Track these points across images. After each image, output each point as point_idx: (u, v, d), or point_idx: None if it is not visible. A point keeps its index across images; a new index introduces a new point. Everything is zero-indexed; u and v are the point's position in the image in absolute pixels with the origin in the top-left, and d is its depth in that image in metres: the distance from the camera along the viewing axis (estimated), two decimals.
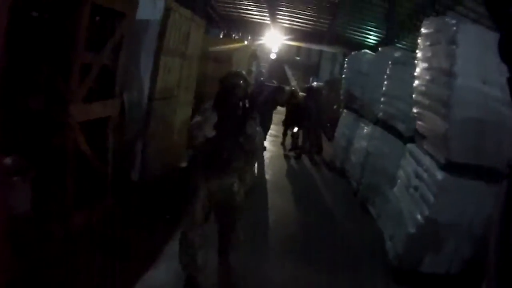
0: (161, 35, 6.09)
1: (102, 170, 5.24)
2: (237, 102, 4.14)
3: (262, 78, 14.14)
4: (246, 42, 19.02)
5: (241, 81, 4.24)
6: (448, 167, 4.92)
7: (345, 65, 11.50)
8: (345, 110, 11.13)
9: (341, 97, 11.61)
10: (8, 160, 4.12)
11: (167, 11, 6.07)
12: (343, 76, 11.46)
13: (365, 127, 9.09)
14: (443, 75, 5.02)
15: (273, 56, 29.66)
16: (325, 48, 25.40)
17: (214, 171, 4.16)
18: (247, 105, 4.15)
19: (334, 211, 7.81)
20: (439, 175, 4.95)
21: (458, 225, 4.92)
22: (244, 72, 4.44)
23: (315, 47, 26.81)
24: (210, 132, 3.90)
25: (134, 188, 6.07)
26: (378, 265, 5.71)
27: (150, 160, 6.39)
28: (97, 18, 4.98)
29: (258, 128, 4.20)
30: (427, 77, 5.57)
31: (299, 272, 5.23)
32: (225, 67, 10.77)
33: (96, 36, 4.90)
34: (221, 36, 18.17)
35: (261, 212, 7.08)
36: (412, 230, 5.19)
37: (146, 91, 6.17)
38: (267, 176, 9.34)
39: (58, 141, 4.52)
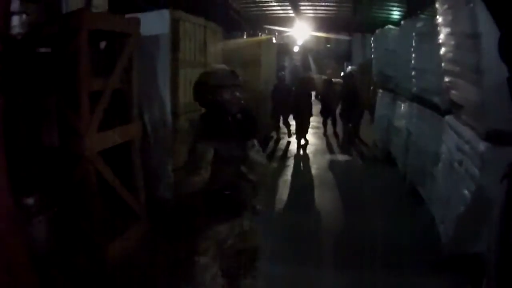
0: (174, 47, 5.88)
1: (130, 196, 5.07)
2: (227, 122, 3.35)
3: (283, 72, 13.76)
4: (273, 39, 18.67)
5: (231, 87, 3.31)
6: (490, 136, 4.45)
7: (372, 45, 11.01)
8: (380, 91, 10.61)
9: (374, 78, 11.08)
10: (29, 200, 4.04)
11: (176, 22, 5.88)
12: (372, 56, 10.97)
13: (403, 105, 8.61)
14: (467, 38, 4.56)
15: (296, 48, 29.28)
16: (350, 34, 24.87)
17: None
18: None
19: (384, 200, 7.43)
20: (482, 146, 4.48)
21: None
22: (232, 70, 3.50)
23: (342, 35, 26.33)
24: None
25: (168, 208, 5.87)
26: (431, 252, 5.28)
27: (181, 176, 6.18)
28: (103, 42, 4.88)
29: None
30: (452, 43, 5.12)
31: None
32: (254, 69, 10.63)
33: (106, 61, 4.81)
34: (244, 37, 17.82)
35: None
36: (461, 209, 4.74)
37: (168, 108, 5.97)
38: (313, 171, 9.26)
39: (79, 175, 4.41)
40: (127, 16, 5.27)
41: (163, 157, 6.05)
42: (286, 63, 22.10)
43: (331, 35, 28.39)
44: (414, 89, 7.55)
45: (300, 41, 28.69)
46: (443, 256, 5.02)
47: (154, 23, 5.69)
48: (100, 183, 4.59)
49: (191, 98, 6.22)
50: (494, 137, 4.42)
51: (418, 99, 7.44)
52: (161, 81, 5.91)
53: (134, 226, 5.11)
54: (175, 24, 5.87)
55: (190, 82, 6.20)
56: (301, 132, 11.11)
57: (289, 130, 12.47)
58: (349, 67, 15.81)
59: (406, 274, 4.88)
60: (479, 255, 4.62)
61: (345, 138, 11.94)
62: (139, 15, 5.42)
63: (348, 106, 11.84)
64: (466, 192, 4.68)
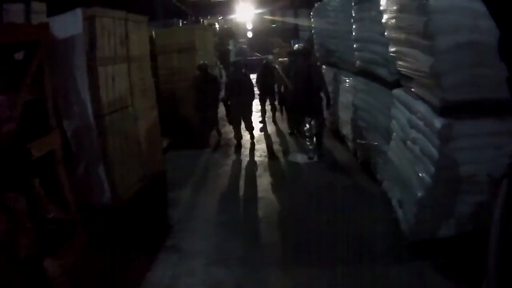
0: (90, 46, 5.14)
1: (59, 209, 4.49)
2: None
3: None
4: (215, 24, 17.78)
5: None
6: (446, 109, 3.78)
7: (312, 19, 10.25)
8: (323, 66, 9.82)
9: (316, 54, 10.30)
10: None
11: (91, 19, 5.14)
12: (312, 31, 10.22)
13: (347, 80, 7.90)
14: None
15: (249, 31, 28.53)
16: (296, 11, 24.24)
17: None
18: None
19: (335, 178, 6.75)
20: (437, 122, 3.81)
21: (473, 176, 3.78)
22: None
23: (287, 13, 25.66)
24: None
25: (106, 215, 5.13)
26: (388, 237, 4.68)
27: (118, 180, 5.39)
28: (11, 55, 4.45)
29: None
30: (395, 7, 4.41)
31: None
32: (189, 55, 9.93)
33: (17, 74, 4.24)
34: (180, 25, 16.79)
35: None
36: (420, 193, 4.07)
37: (90, 110, 5.18)
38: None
39: None
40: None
41: (91, 163, 5.25)
42: (231, 47, 21.27)
43: (276, 16, 27.70)
44: (358, 62, 6.86)
45: (249, 24, 27.91)
46: (406, 242, 4.36)
47: (68, 24, 5.07)
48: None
49: (116, 95, 5.54)
50: (450, 109, 3.76)
51: (363, 73, 6.75)
52: (79, 84, 5.18)
53: (69, 241, 4.50)
54: (90, 22, 5.18)
55: (113, 79, 5.48)
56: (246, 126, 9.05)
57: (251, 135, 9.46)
58: (296, 44, 14.95)
59: (367, 261, 4.26)
60: (448, 239, 4.03)
61: (309, 140, 8.35)
62: (54, 18, 5.02)
63: (303, 92, 7.93)
64: (424, 175, 4.01)
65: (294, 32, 28.15)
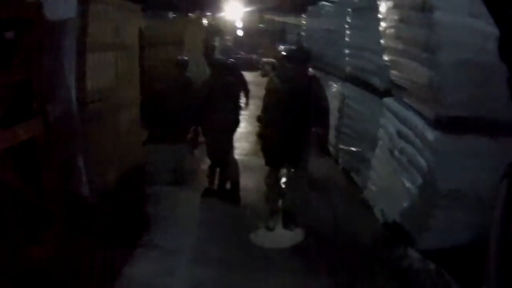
0: (82, 31, 4.91)
1: (38, 198, 4.15)
2: None
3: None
4: (203, 19, 17.50)
5: None
6: (440, 123, 3.71)
7: (304, 22, 10.16)
8: (310, 70, 9.70)
9: None
10: None
11: (84, 4, 4.90)
12: (303, 34, 10.13)
13: (334, 85, 7.81)
14: (416, 11, 3.77)
15: (239, 29, 28.28)
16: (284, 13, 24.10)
17: None
18: None
19: (315, 182, 6.52)
20: (430, 134, 3.75)
21: (461, 192, 3.73)
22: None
23: (277, 15, 25.51)
24: None
25: (85, 206, 4.90)
26: (369, 246, 4.55)
27: (98, 171, 5.17)
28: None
29: None
30: (396, 17, 4.34)
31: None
32: (177, 49, 9.66)
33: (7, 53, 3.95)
34: (170, 17, 16.48)
35: None
36: (405, 203, 4.03)
37: (73, 96, 4.96)
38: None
39: None
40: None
41: (71, 152, 5.03)
42: (217, 43, 21.03)
43: (265, 17, 27.50)
44: (348, 68, 6.79)
45: (239, 21, 27.68)
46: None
47: (61, 6, 4.78)
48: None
49: (101, 84, 5.33)
50: (445, 124, 3.70)
51: (352, 79, 6.69)
52: (66, 68, 4.91)
53: (50, 230, 4.21)
54: (84, 6, 4.90)
55: (101, 67, 5.27)
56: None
57: None
58: (281, 46, 14.78)
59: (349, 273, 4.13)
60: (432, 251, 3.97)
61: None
62: None
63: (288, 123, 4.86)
64: (410, 186, 3.96)
65: (281, 34, 28.06)
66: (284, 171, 5.32)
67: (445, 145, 3.65)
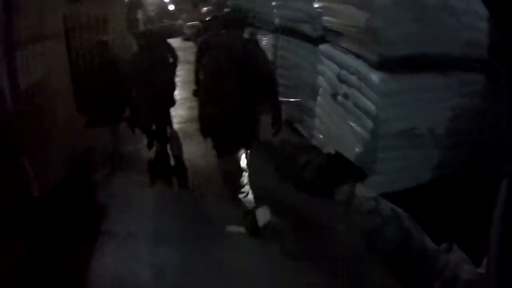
0: (7, 26, 4.51)
1: None
2: None
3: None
4: None
5: None
6: (384, 64, 3.74)
7: None
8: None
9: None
10: None
11: None
12: None
13: (264, 39, 7.67)
14: None
15: None
16: None
17: None
18: None
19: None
20: (375, 77, 3.77)
21: (414, 130, 3.81)
22: None
23: None
24: None
25: (37, 205, 4.60)
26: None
27: (44, 166, 4.87)
28: None
29: None
30: None
31: None
32: (100, 30, 9.13)
33: None
34: None
35: None
36: (358, 148, 4.06)
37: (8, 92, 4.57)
38: None
39: None
40: None
41: (12, 151, 4.68)
42: (139, 16, 20.14)
43: None
44: (277, 20, 6.68)
45: None
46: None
47: None
48: None
49: (32, 78, 4.94)
50: (388, 64, 3.72)
51: (283, 30, 6.59)
52: None
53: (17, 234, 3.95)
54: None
55: (31, 58, 4.88)
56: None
57: None
58: (204, 8, 14.22)
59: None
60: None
61: None
62: None
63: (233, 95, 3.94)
64: (361, 130, 3.99)
65: None
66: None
67: (391, 85, 3.69)
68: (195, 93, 4.52)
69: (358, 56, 4.14)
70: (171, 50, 5.91)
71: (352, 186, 4.12)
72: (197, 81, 4.32)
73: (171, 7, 27.23)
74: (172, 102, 5.77)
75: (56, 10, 5.84)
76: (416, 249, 3.04)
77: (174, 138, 5.82)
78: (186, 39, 17.37)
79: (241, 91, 3.80)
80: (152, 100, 5.34)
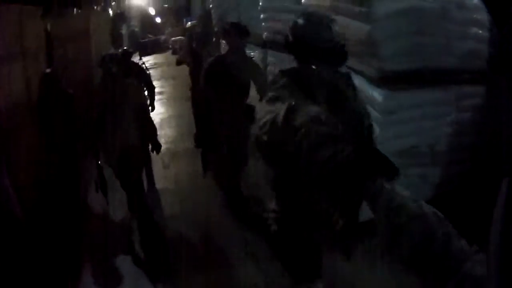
0: None
1: None
2: None
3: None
4: (110, 10, 16.51)
5: None
6: (385, 80, 3.46)
7: None
8: (222, 41, 9.22)
9: (214, 29, 9.68)
10: None
11: None
12: (211, 5, 9.61)
13: (252, 54, 7.42)
14: None
15: (145, 12, 27.13)
16: None
17: None
18: None
19: None
20: (377, 94, 3.51)
21: (416, 148, 3.55)
22: None
23: None
24: None
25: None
26: None
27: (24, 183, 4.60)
28: None
29: None
30: None
31: None
32: (83, 46, 8.86)
33: None
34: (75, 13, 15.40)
35: None
36: None
37: None
38: None
39: None
40: None
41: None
42: (123, 31, 20.09)
43: None
44: (266, 34, 6.43)
45: (142, 5, 26.67)
46: None
47: None
48: None
49: (13, 98, 4.67)
50: (389, 81, 3.45)
51: (272, 44, 6.33)
52: None
53: None
54: None
55: (10, 76, 4.64)
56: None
57: None
58: (189, 22, 14.08)
59: None
60: None
61: None
62: None
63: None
64: None
65: (186, 10, 27.27)
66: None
67: (393, 102, 3.45)
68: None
69: (356, 71, 3.87)
70: (146, 82, 5.11)
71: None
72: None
73: (157, 20, 27.15)
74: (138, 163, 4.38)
75: (35, 28, 5.61)
76: (439, 249, 2.83)
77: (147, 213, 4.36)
78: (178, 63, 16.73)
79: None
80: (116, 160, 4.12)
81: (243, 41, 4.45)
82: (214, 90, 4.21)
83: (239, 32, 4.34)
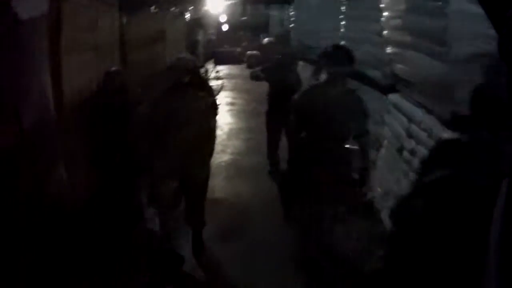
0: (55, 31, 4.48)
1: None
2: None
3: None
4: (187, 14, 17.02)
5: None
6: (457, 123, 3.38)
7: (292, 12, 9.79)
8: (300, 63, 9.28)
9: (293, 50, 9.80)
10: None
11: (57, 1, 4.52)
12: (291, 26, 9.75)
13: None
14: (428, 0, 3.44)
15: (222, 23, 27.77)
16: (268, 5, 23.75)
17: None
18: None
19: None
20: (447, 136, 3.40)
21: None
22: None
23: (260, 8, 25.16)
24: None
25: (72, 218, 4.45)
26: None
27: (80, 179, 4.74)
28: None
29: None
30: (402, 7, 3.99)
31: None
32: (158, 46, 9.15)
33: None
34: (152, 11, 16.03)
35: None
36: None
37: (51, 102, 4.47)
38: None
39: None
40: None
41: (51, 161, 4.56)
42: (200, 37, 20.58)
43: (248, 9, 27.03)
44: None
45: (219, 15, 27.32)
46: None
47: (31, 3, 4.24)
48: None
49: (80, 87, 4.81)
50: (462, 124, 3.36)
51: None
52: (39, 72, 4.46)
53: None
54: (56, 3, 4.49)
55: (79, 68, 4.80)
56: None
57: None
58: (266, 39, 14.33)
59: None
60: None
61: None
62: None
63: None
64: None
65: (264, 26, 27.68)
66: None
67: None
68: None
69: (428, 110, 3.82)
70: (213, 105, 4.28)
71: None
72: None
73: (231, 34, 27.61)
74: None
75: (110, 20, 5.77)
76: None
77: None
78: (253, 78, 16.95)
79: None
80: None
81: (346, 69, 3.71)
82: (306, 128, 3.73)
83: (344, 58, 3.62)
